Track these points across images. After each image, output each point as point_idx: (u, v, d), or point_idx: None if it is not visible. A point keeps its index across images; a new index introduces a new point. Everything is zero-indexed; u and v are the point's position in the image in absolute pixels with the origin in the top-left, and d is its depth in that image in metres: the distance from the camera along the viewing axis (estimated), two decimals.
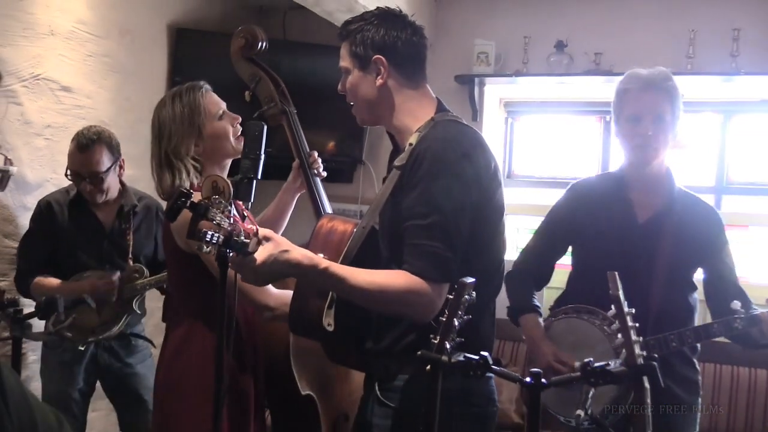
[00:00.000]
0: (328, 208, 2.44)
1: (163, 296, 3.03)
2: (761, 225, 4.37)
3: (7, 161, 0.90)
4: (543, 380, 1.56)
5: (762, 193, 4.44)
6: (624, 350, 1.60)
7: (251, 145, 1.98)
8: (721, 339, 2.44)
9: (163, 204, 3.21)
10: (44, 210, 3.18)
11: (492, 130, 4.75)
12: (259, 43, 2.44)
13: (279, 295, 2.20)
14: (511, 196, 4.77)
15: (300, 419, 2.54)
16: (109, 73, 3.92)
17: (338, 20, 3.28)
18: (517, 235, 4.72)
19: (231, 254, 1.70)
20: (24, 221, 3.31)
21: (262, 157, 1.97)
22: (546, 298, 3.41)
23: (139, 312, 3.26)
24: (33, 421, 1.09)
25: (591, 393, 1.81)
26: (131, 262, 3.25)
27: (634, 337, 1.60)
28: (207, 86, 2.36)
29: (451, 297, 1.64)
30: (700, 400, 2.55)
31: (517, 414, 4.15)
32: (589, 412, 1.91)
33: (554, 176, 4.85)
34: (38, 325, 2.97)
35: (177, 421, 2.31)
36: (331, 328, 1.90)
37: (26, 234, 3.24)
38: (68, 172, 3.14)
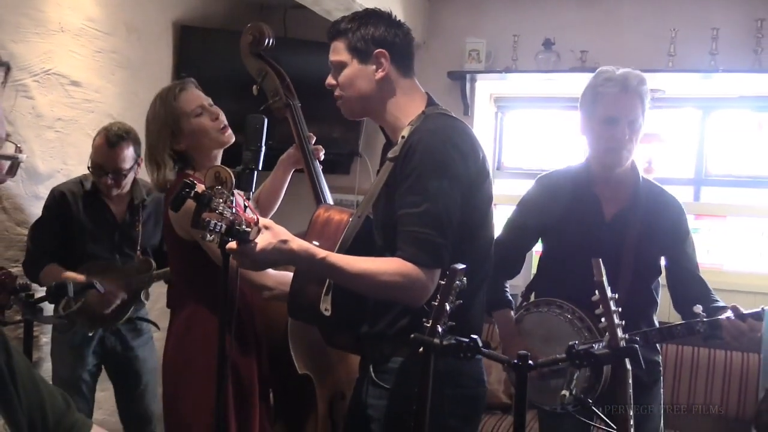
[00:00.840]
0: (329, 197, 2.44)
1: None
2: (738, 215, 4.38)
3: (18, 149, 0.89)
4: (530, 362, 1.56)
5: (738, 185, 4.45)
6: (607, 333, 1.60)
7: (252, 137, 1.99)
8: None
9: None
10: (58, 199, 3.16)
11: (482, 124, 4.74)
12: (266, 40, 2.44)
13: (276, 275, 2.20)
14: (500, 187, 4.79)
15: (300, 398, 2.54)
16: (116, 68, 3.90)
17: (335, 19, 3.27)
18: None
19: (231, 242, 1.69)
20: (35, 210, 3.30)
21: (263, 148, 1.98)
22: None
23: (145, 301, 3.26)
24: (41, 403, 1.08)
25: (576, 375, 1.81)
26: (139, 254, 3.24)
27: (616, 321, 1.60)
28: (184, 85, 2.38)
29: (443, 283, 1.63)
30: (661, 378, 2.57)
31: (505, 394, 4.16)
32: (574, 392, 1.91)
33: (542, 168, 4.79)
34: (49, 309, 2.97)
35: (184, 401, 2.32)
36: (328, 313, 1.90)
37: (38, 221, 3.21)
38: (90, 164, 3.12)
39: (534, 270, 2.80)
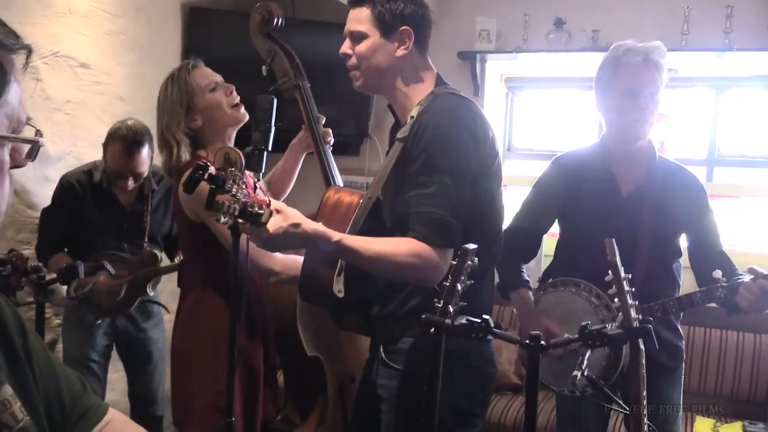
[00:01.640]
0: (338, 178, 2.43)
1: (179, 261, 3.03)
2: (750, 196, 4.35)
3: (38, 132, 0.90)
4: (542, 342, 1.55)
5: (751, 165, 4.41)
6: (621, 313, 1.59)
7: (262, 117, 1.98)
8: (711, 304, 2.42)
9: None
10: (66, 190, 3.15)
11: (493, 105, 4.71)
12: (275, 20, 2.43)
13: (284, 260, 2.20)
14: (511, 168, 4.77)
15: (311, 380, 2.55)
16: (125, 50, 3.88)
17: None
18: (517, 206, 4.68)
19: (243, 224, 1.69)
20: (45, 192, 3.30)
21: (272, 129, 1.97)
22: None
23: (151, 292, 3.26)
24: (58, 386, 1.08)
25: (587, 355, 1.80)
26: (146, 247, 3.24)
27: (630, 301, 1.59)
28: (196, 62, 2.37)
29: (454, 263, 1.63)
30: (683, 365, 2.54)
31: (516, 375, 4.17)
32: (586, 373, 1.91)
33: (552, 149, 4.81)
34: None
35: (190, 381, 2.33)
36: (341, 295, 1.90)
37: (47, 209, 3.21)
38: (106, 168, 3.09)
39: (544, 257, 2.78)
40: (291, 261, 2.20)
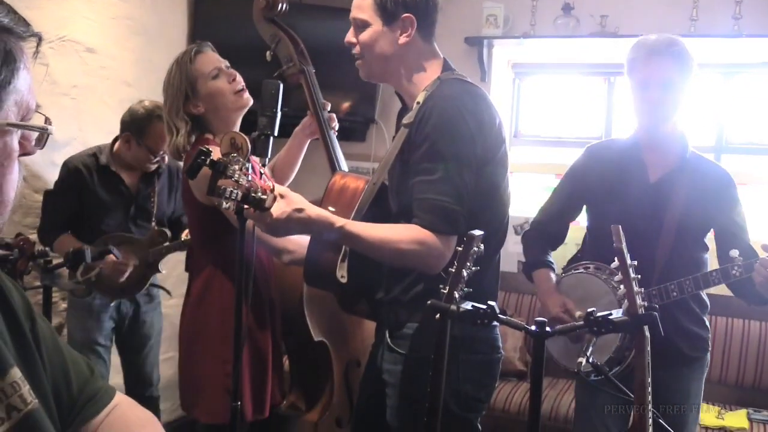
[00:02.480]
0: (343, 164, 2.43)
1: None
2: (758, 183, 4.33)
3: (47, 120, 0.89)
4: (547, 329, 1.55)
5: (759, 153, 4.38)
6: (626, 300, 1.59)
7: (268, 102, 1.97)
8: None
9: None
10: (73, 174, 3.16)
11: (500, 91, 4.69)
12: (280, 5, 2.42)
13: (297, 239, 2.20)
14: (517, 154, 4.76)
15: (315, 365, 2.56)
16: (131, 35, 3.88)
17: None
18: (524, 193, 4.69)
19: (247, 209, 1.70)
20: (52, 177, 3.31)
21: (278, 114, 1.96)
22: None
23: (162, 272, 3.29)
24: (66, 369, 1.09)
25: (593, 342, 1.80)
26: (155, 226, 3.26)
27: (635, 288, 1.59)
28: (200, 48, 2.36)
29: (460, 249, 1.63)
30: (708, 356, 2.52)
31: (520, 362, 4.18)
32: (591, 360, 1.91)
33: (560, 136, 4.80)
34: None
35: (199, 364, 2.35)
36: (344, 280, 1.91)
37: (52, 192, 3.22)
38: (152, 153, 3.12)
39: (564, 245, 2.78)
40: (304, 240, 2.20)
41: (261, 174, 1.73)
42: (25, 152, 0.96)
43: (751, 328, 3.95)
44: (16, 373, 0.95)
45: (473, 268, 1.63)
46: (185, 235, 3.17)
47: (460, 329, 1.72)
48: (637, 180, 2.45)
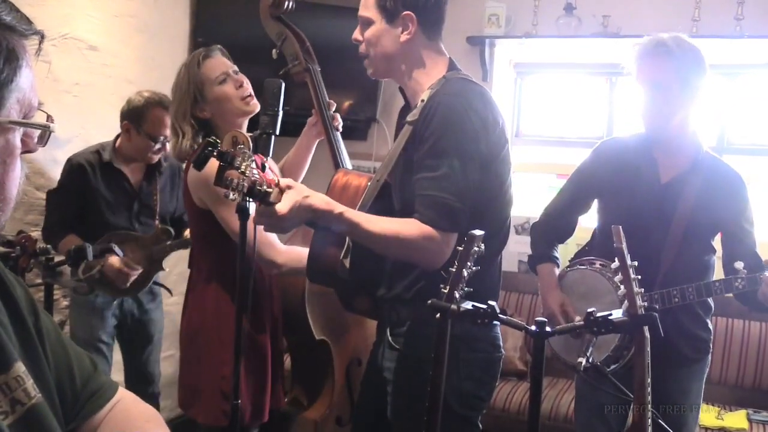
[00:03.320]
0: (348, 163, 2.44)
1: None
2: (760, 184, 4.32)
3: (49, 118, 0.90)
4: (547, 329, 1.56)
5: (761, 153, 4.38)
6: (626, 301, 1.59)
7: (270, 101, 1.98)
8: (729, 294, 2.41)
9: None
10: (76, 171, 3.16)
11: (502, 90, 4.70)
12: (286, 3, 2.43)
13: (287, 251, 2.21)
14: (519, 154, 4.76)
15: (316, 363, 2.56)
16: (134, 32, 3.89)
17: None
18: (525, 192, 4.69)
19: (252, 203, 1.70)
20: (54, 174, 3.32)
21: (280, 113, 1.97)
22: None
23: (165, 269, 3.29)
24: (69, 365, 1.10)
25: (593, 342, 1.81)
26: (158, 224, 3.27)
27: (635, 289, 1.59)
28: (210, 52, 2.35)
29: (461, 248, 1.63)
30: (709, 357, 2.53)
31: (521, 361, 4.18)
32: (591, 360, 1.92)
33: (562, 135, 4.81)
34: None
35: (198, 365, 2.35)
36: (346, 275, 1.91)
37: (55, 190, 3.23)
38: (148, 136, 3.12)
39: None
40: (294, 253, 2.21)
41: (265, 168, 1.74)
42: (27, 150, 0.96)
43: (751, 328, 3.96)
44: (20, 367, 0.96)
45: (474, 268, 1.63)
46: (188, 233, 3.17)
47: (462, 328, 1.73)
48: (648, 179, 2.44)
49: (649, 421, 1.57)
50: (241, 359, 1.85)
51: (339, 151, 2.42)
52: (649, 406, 1.58)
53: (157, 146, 3.16)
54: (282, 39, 2.45)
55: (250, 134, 1.84)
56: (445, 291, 1.60)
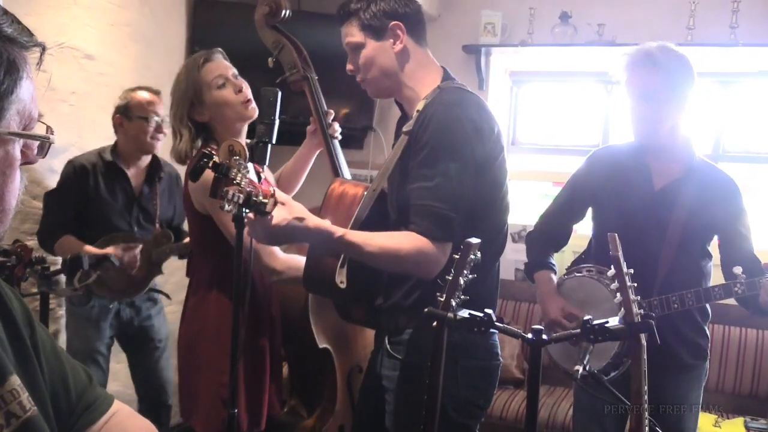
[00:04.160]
0: (346, 171, 2.43)
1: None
2: (755, 191, 4.34)
3: (48, 129, 0.90)
4: (544, 336, 1.56)
5: (757, 161, 4.40)
6: (623, 308, 1.59)
7: (266, 110, 1.98)
8: (730, 302, 2.40)
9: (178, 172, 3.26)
10: (78, 172, 3.16)
11: (498, 99, 4.71)
12: (283, 11, 2.42)
13: (286, 259, 2.21)
14: (515, 162, 4.77)
15: (315, 373, 2.56)
16: (130, 41, 3.89)
17: None
18: (522, 200, 4.70)
19: (248, 213, 1.70)
20: (50, 183, 3.32)
21: (277, 122, 1.97)
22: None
23: (163, 272, 3.29)
24: (64, 377, 1.09)
25: (590, 350, 1.81)
26: (158, 227, 3.27)
27: (632, 296, 1.59)
28: (211, 56, 2.34)
29: (457, 257, 1.63)
30: (707, 364, 2.53)
31: (518, 369, 4.18)
32: (588, 368, 1.91)
33: (557, 143, 4.82)
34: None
35: (196, 373, 2.34)
36: (343, 286, 1.91)
37: (54, 192, 3.21)
38: (141, 119, 3.17)
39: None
40: (293, 261, 2.20)
41: (260, 179, 1.74)
42: (27, 161, 0.96)
43: (748, 336, 3.96)
44: (15, 380, 0.96)
45: (471, 276, 1.63)
46: (187, 240, 3.17)
47: (459, 336, 1.73)
48: (641, 187, 2.44)
49: (647, 429, 1.57)
50: (240, 367, 1.85)
51: (338, 160, 2.42)
52: (646, 413, 1.58)
53: (151, 126, 3.17)
54: (279, 48, 2.45)
55: (248, 141, 1.84)
56: (442, 299, 1.60)
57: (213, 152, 1.66)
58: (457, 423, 1.92)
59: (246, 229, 1.75)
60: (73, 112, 3.53)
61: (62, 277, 2.88)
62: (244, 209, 1.66)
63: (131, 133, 3.19)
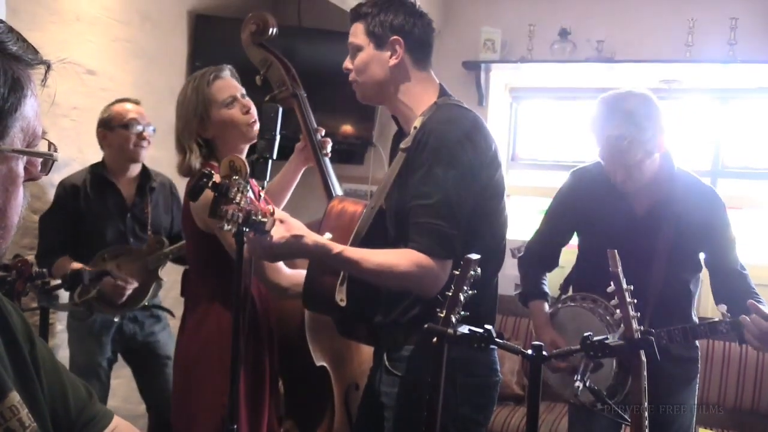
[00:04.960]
0: (338, 188, 2.43)
1: (182, 270, 3.04)
2: (754, 207, 4.35)
3: (52, 146, 0.90)
4: (544, 353, 1.56)
5: (755, 177, 4.41)
6: (622, 324, 1.59)
7: (267, 126, 1.99)
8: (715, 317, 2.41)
9: (175, 181, 3.26)
10: (69, 192, 3.18)
11: (497, 115, 4.72)
12: (270, 29, 2.40)
13: (291, 275, 2.20)
14: (515, 178, 4.78)
15: (312, 390, 2.54)
16: (131, 57, 3.91)
17: (351, 7, 3.29)
18: (521, 216, 4.71)
19: (247, 232, 1.70)
20: (51, 197, 3.32)
21: (278, 138, 1.97)
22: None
23: (162, 280, 3.28)
24: (64, 393, 1.09)
25: (590, 366, 1.80)
26: (151, 234, 3.27)
27: (632, 313, 1.59)
28: (221, 73, 2.32)
29: (457, 273, 1.63)
30: (698, 376, 2.54)
31: (518, 385, 4.17)
32: (587, 383, 1.91)
33: (557, 159, 4.83)
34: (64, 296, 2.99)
35: (194, 394, 2.31)
36: (343, 304, 1.91)
37: (48, 214, 3.23)
38: (122, 127, 3.18)
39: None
40: (298, 277, 2.19)
41: (260, 197, 1.74)
42: (30, 177, 0.96)
43: (748, 352, 3.95)
44: (14, 396, 0.95)
45: (470, 292, 1.63)
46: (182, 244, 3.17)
47: (459, 352, 1.72)
48: (623, 213, 2.44)
49: None
50: (240, 385, 1.84)
51: (329, 176, 2.40)
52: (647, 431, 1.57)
53: (133, 133, 3.18)
54: (267, 65, 2.43)
55: (248, 158, 1.84)
56: (442, 315, 1.60)
57: (212, 171, 1.67)
58: None
59: (246, 247, 1.75)
60: (74, 127, 3.54)
61: (62, 292, 2.87)
62: (243, 228, 1.66)
63: (115, 143, 3.21)
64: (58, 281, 2.62)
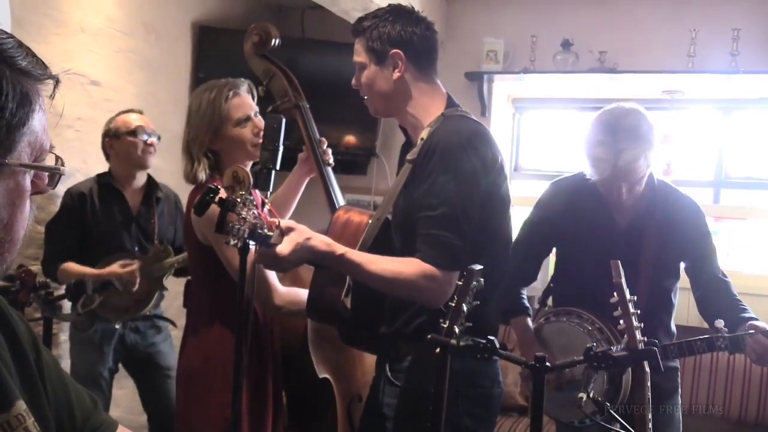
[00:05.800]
0: (341, 198, 2.43)
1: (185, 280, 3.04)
2: (757, 217, 4.35)
3: (59, 160, 0.91)
4: (547, 364, 1.56)
5: (759, 187, 4.41)
6: (626, 335, 1.59)
7: (270, 137, 1.98)
8: (702, 325, 2.41)
9: (178, 192, 3.27)
10: (76, 200, 3.20)
11: (500, 126, 4.73)
12: (273, 40, 2.40)
13: (285, 293, 2.19)
14: (518, 188, 4.78)
15: (315, 402, 2.54)
16: (135, 68, 3.93)
17: (354, 19, 3.31)
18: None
19: (254, 245, 1.71)
20: (54, 208, 3.33)
21: (281, 148, 1.97)
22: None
23: (166, 289, 3.29)
24: (69, 402, 1.09)
25: (594, 378, 1.80)
26: (157, 243, 3.28)
27: (635, 323, 1.59)
28: (239, 89, 2.29)
29: (460, 283, 1.64)
30: (678, 380, 2.55)
31: (521, 396, 4.15)
32: (591, 395, 1.91)
33: (559, 170, 4.82)
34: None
35: (196, 406, 2.30)
36: (347, 314, 1.91)
37: (54, 220, 3.24)
38: (128, 134, 3.20)
39: (550, 274, 2.79)
40: (293, 295, 2.19)
41: (264, 207, 1.75)
42: (37, 191, 0.97)
43: (736, 360, 3.91)
44: (21, 405, 0.96)
45: (474, 303, 1.63)
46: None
47: (461, 363, 1.72)
48: (604, 226, 2.44)
49: None
50: (243, 398, 1.83)
51: (332, 187, 2.41)
52: None
53: (140, 141, 3.20)
54: (269, 76, 2.43)
55: (251, 169, 1.85)
56: (445, 326, 1.60)
57: (218, 186, 1.68)
58: None
59: (250, 258, 1.75)
60: (78, 138, 3.55)
61: (66, 302, 2.88)
62: (249, 241, 1.67)
63: (122, 152, 3.23)
64: (62, 292, 2.62)
